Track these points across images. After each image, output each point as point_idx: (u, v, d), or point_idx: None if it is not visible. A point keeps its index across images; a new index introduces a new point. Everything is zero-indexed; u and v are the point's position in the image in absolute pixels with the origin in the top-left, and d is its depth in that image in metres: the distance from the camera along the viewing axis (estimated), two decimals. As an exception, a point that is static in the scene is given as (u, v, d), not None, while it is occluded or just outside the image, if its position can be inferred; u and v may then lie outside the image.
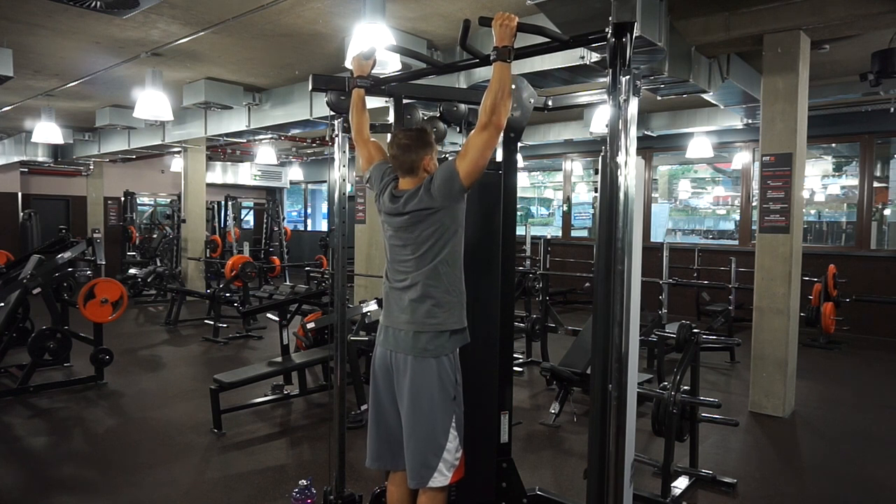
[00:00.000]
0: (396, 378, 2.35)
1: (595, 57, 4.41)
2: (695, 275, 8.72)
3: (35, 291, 5.36)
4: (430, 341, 2.29)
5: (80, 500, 3.33)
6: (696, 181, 12.37)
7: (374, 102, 4.67)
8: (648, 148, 9.86)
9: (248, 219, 16.02)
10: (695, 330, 3.52)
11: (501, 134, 2.28)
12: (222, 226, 12.83)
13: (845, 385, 5.77)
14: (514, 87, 2.62)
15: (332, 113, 2.84)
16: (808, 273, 6.33)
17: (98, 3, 4.32)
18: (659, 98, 5.49)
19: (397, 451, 2.41)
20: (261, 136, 9.81)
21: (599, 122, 7.45)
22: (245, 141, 11.30)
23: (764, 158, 4.82)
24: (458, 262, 2.37)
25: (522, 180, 13.10)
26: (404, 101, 2.92)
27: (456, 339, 2.35)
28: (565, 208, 11.33)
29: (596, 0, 3.30)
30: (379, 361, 2.43)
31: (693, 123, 8.33)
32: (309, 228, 17.38)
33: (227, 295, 8.23)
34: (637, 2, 3.48)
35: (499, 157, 2.79)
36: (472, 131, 2.27)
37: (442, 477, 2.30)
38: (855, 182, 8.56)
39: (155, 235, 12.48)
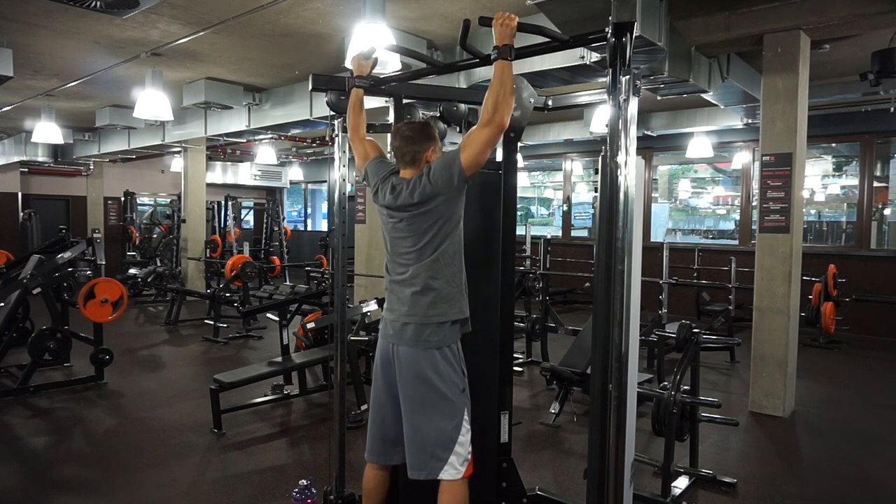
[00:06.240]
0: (398, 370, 2.34)
1: (595, 57, 4.42)
2: (695, 275, 8.72)
3: (35, 291, 5.36)
4: (432, 333, 2.29)
5: (80, 500, 3.33)
6: (696, 181, 12.37)
7: (374, 102, 4.64)
8: (648, 148, 9.86)
9: (248, 219, 16.02)
10: (695, 330, 3.52)
11: (502, 133, 2.27)
12: (222, 226, 12.82)
13: (845, 385, 5.77)
14: (514, 86, 2.62)
15: (332, 113, 2.84)
16: (808, 273, 6.33)
17: (98, 3, 4.32)
18: (659, 98, 5.50)
19: (390, 447, 2.43)
20: (261, 136, 9.81)
21: (599, 122, 7.45)
22: (245, 141, 11.29)
23: (764, 158, 4.82)
24: (458, 255, 2.37)
25: (522, 180, 13.10)
26: (404, 100, 2.92)
27: (458, 328, 2.36)
28: (565, 208, 11.33)
29: (596, 0, 3.30)
30: (381, 353, 2.42)
31: (693, 123, 8.33)
32: (309, 228, 17.38)
33: (227, 295, 8.22)
34: (637, 2, 3.48)
35: (499, 157, 2.79)
36: (474, 127, 2.26)
37: (454, 470, 2.28)
38: (855, 182, 8.56)
39: (155, 235, 12.48)
